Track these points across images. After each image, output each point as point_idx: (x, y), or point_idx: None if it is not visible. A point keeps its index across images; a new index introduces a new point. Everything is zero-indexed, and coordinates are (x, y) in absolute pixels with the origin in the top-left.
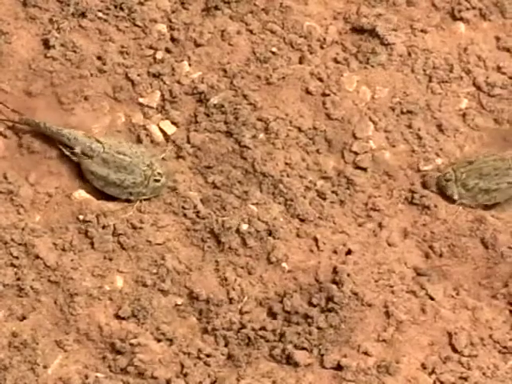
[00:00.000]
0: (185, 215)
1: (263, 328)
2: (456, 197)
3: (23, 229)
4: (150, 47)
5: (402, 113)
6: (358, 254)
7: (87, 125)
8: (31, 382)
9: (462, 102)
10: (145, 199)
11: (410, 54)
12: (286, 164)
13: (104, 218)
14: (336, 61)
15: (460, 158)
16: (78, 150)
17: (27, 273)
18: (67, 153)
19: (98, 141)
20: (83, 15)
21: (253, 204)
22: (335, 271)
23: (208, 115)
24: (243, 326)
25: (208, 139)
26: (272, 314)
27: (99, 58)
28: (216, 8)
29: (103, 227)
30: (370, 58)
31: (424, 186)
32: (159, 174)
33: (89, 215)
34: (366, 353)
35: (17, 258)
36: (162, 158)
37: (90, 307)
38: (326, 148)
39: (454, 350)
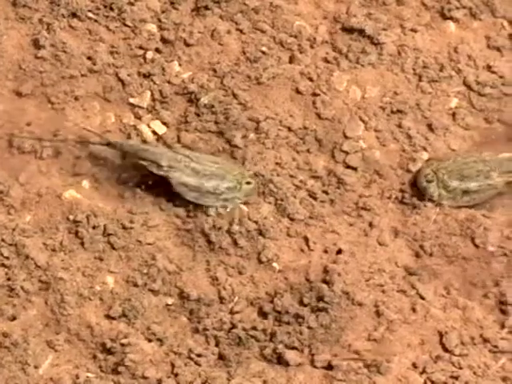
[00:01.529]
0: (176, 215)
1: (254, 328)
2: (436, 198)
3: (14, 229)
4: (140, 47)
5: (392, 112)
6: (349, 253)
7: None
8: (22, 382)
9: (452, 101)
10: (240, 203)
11: (400, 54)
12: (277, 164)
13: (94, 218)
14: (326, 60)
15: (437, 157)
16: (164, 163)
17: (18, 273)
18: (153, 169)
19: (181, 153)
20: (73, 15)
21: (243, 204)
22: (326, 271)
23: (198, 115)
24: (234, 326)
25: (198, 139)
26: (263, 314)
27: (89, 58)
28: (206, 8)
29: (93, 227)
30: (360, 57)
31: (414, 185)
32: (250, 176)
33: (79, 215)
34: (356, 352)
35: (7, 258)
36: None
37: (80, 307)
38: (316, 147)
39: (445, 350)
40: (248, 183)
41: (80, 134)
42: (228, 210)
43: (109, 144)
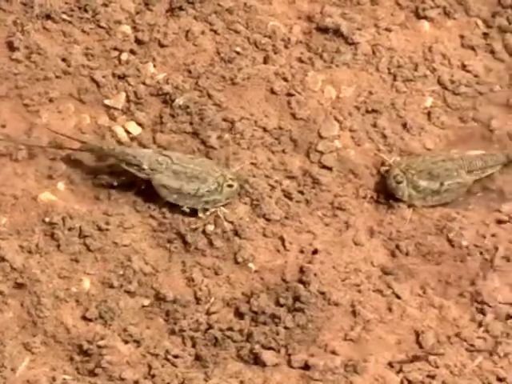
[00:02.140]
0: (151, 216)
1: (230, 328)
2: (406, 198)
3: None
4: (115, 49)
5: (367, 112)
6: (325, 253)
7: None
8: None
9: (427, 100)
10: (221, 205)
11: (374, 53)
12: (252, 164)
13: (70, 219)
14: (301, 60)
15: (404, 157)
16: (146, 166)
17: None
18: (134, 171)
19: (163, 154)
20: (47, 17)
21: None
22: (302, 271)
23: (173, 116)
24: (210, 327)
25: (174, 140)
26: (239, 315)
27: (64, 59)
28: (180, 8)
29: (69, 229)
30: (335, 57)
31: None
32: (231, 179)
33: (55, 217)
34: (333, 352)
35: None
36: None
37: (56, 309)
38: (291, 148)
39: (422, 349)
40: (230, 186)
41: (55, 136)
42: (208, 212)
43: (89, 149)
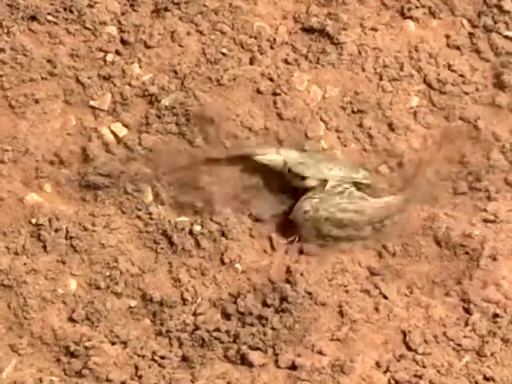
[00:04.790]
0: (137, 217)
1: (217, 329)
2: (303, 233)
3: None
4: (100, 50)
5: (353, 112)
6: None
7: (38, 128)
8: None
9: (413, 99)
10: None
11: (360, 53)
12: None
13: (56, 221)
14: (286, 61)
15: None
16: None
17: None
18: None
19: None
20: (33, 19)
21: None
22: (289, 271)
23: (159, 117)
24: (197, 328)
25: (160, 141)
26: (226, 315)
27: (49, 61)
28: (165, 9)
29: (56, 230)
30: (321, 57)
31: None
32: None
33: (41, 219)
34: (320, 352)
35: None
36: None
37: (43, 311)
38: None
39: (408, 348)
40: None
41: (40, 138)
42: None
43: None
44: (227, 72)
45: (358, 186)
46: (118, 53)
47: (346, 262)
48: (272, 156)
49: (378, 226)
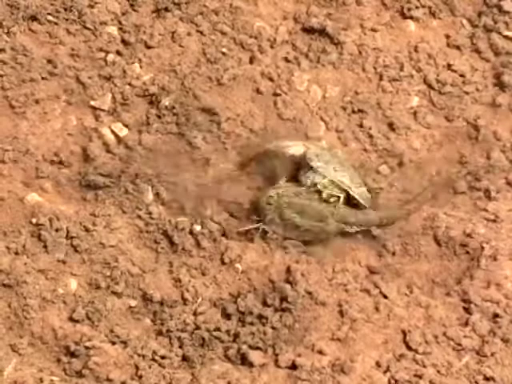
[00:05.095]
0: (138, 217)
1: (217, 329)
2: (267, 221)
3: None
4: (101, 50)
5: (353, 112)
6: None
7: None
8: None
9: (413, 100)
10: None
11: (360, 53)
12: None
13: (57, 221)
14: (286, 60)
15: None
16: None
17: None
18: None
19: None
20: (33, 19)
21: None
22: (289, 271)
23: (159, 117)
24: (197, 327)
25: (160, 141)
26: (226, 315)
27: (50, 61)
28: (166, 10)
29: (56, 230)
30: (321, 57)
31: None
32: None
33: (42, 218)
34: (320, 352)
35: None
36: None
37: (43, 310)
38: None
39: (408, 348)
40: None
41: (40, 138)
42: None
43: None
44: (227, 72)
45: (351, 200)
46: (118, 53)
47: (346, 262)
48: (298, 147)
49: (347, 228)
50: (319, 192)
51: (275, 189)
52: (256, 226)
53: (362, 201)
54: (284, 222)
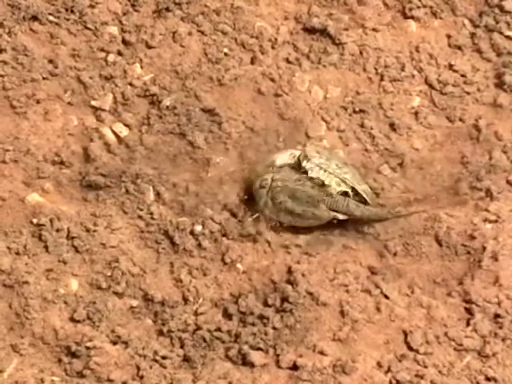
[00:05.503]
0: (139, 217)
1: (219, 329)
2: (261, 204)
3: None
4: (102, 50)
5: (355, 112)
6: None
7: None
8: None
9: (414, 100)
10: None
11: (361, 53)
12: None
13: (58, 221)
14: (288, 61)
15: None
16: None
17: None
18: None
19: None
20: (34, 19)
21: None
22: (290, 271)
23: (160, 117)
24: (198, 328)
25: (161, 141)
26: (227, 315)
27: (51, 61)
28: (167, 10)
29: (57, 230)
30: (322, 57)
31: None
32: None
33: (42, 219)
34: (321, 352)
35: None
36: None
37: (44, 311)
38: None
39: (410, 348)
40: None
41: (41, 138)
42: None
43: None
44: (228, 72)
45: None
46: (119, 53)
47: (347, 262)
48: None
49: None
50: (312, 179)
51: (270, 173)
52: (257, 215)
53: (366, 197)
54: (276, 206)
